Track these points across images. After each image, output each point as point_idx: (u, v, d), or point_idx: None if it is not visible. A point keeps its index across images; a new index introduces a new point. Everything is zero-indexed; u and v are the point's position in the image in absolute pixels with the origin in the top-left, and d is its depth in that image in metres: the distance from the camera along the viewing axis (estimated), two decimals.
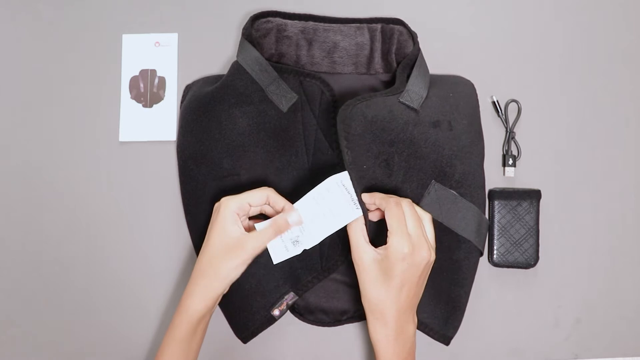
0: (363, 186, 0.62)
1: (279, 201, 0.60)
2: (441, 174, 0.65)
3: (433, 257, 0.58)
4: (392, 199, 0.58)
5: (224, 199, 0.59)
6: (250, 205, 0.60)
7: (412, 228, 0.57)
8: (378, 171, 0.63)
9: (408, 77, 0.68)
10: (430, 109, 0.66)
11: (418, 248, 0.56)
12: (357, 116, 0.63)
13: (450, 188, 0.64)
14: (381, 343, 0.58)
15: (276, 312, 0.65)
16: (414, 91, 0.66)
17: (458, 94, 0.69)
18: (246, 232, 0.59)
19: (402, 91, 0.65)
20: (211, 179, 0.67)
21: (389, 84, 0.71)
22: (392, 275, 0.56)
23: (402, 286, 0.57)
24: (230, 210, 0.58)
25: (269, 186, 0.64)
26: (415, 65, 0.68)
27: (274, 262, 0.61)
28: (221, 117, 0.67)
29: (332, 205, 0.60)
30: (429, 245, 0.58)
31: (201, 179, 0.67)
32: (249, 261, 0.59)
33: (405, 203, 0.58)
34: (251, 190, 0.60)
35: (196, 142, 0.68)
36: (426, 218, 0.60)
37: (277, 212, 0.61)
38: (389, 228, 0.57)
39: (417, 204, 0.63)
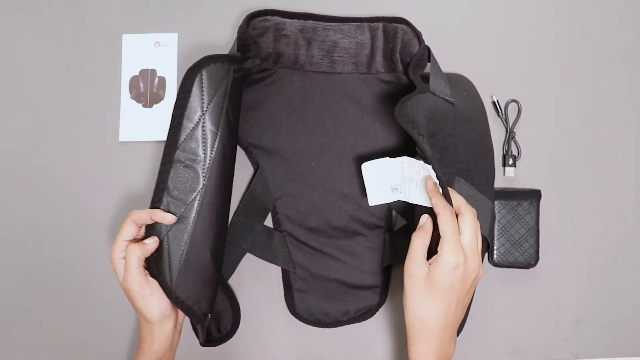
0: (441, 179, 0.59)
1: (143, 216, 0.57)
2: (465, 170, 0.62)
3: (481, 273, 0.56)
4: (449, 208, 0.55)
5: (109, 254, 0.58)
6: (127, 240, 0.57)
7: (468, 239, 0.54)
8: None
9: (422, 77, 0.66)
10: (461, 104, 0.65)
11: (471, 260, 0.53)
12: (415, 110, 0.59)
13: (472, 184, 0.63)
14: (419, 357, 0.55)
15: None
16: (439, 90, 0.64)
17: (468, 92, 0.68)
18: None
19: (428, 90, 0.63)
20: None
21: (391, 83, 0.71)
22: (442, 288, 0.53)
23: (450, 301, 0.54)
24: (114, 263, 0.58)
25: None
26: (431, 64, 0.67)
27: (370, 204, 0.60)
28: None
29: (420, 182, 0.59)
30: (480, 260, 0.55)
31: None
32: (140, 284, 0.56)
33: (471, 213, 0.55)
34: (119, 230, 0.58)
35: None
36: (480, 234, 0.56)
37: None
38: (441, 236, 0.53)
39: None
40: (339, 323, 0.68)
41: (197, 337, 0.65)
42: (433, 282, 0.53)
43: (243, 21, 0.67)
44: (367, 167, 0.61)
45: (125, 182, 0.72)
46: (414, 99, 0.60)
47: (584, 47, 0.74)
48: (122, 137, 0.73)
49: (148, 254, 0.57)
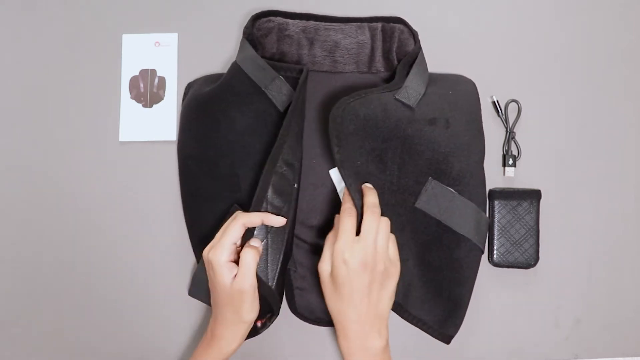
0: (359, 181, 0.62)
1: (255, 220, 0.58)
2: (437, 171, 0.65)
3: (380, 267, 0.57)
4: (348, 210, 0.59)
5: (209, 255, 0.57)
6: (235, 244, 0.58)
7: (363, 237, 0.57)
8: (372, 166, 0.63)
9: (408, 74, 0.68)
10: (427, 106, 0.66)
11: (360, 253, 0.56)
12: (349, 115, 0.62)
13: (447, 185, 0.65)
14: (345, 356, 0.59)
15: (259, 323, 0.65)
16: (412, 87, 0.66)
17: (457, 92, 0.69)
18: (235, 277, 0.57)
19: (400, 87, 0.66)
20: (210, 178, 0.67)
21: (390, 82, 0.71)
22: (338, 282, 0.56)
23: (351, 295, 0.56)
24: (223, 265, 0.56)
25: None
26: (415, 62, 0.68)
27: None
28: (219, 118, 0.67)
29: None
30: (377, 253, 0.57)
31: (201, 178, 0.67)
32: (254, 288, 0.57)
33: (370, 213, 0.58)
34: (226, 230, 0.58)
35: (195, 142, 0.68)
36: (392, 238, 0.59)
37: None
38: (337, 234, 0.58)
39: (415, 201, 0.64)
40: None
41: (256, 331, 0.65)
42: (333, 278, 0.57)
43: (248, 22, 0.68)
44: (334, 173, 0.68)
45: (125, 182, 0.72)
46: (360, 102, 0.63)
47: (584, 47, 0.74)
48: (122, 137, 0.73)
49: (259, 257, 0.58)
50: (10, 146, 0.73)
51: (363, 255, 0.56)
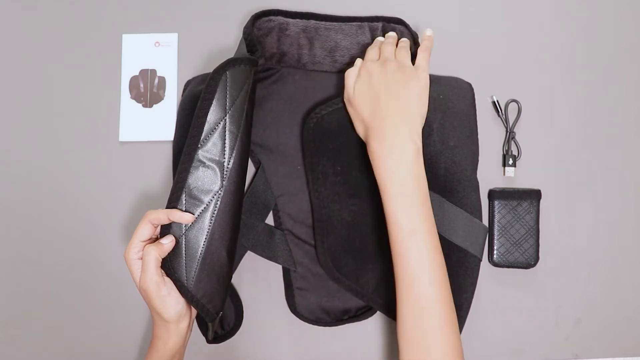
0: (350, 189, 0.65)
1: (161, 216, 0.57)
2: None
3: (394, 65, 0.61)
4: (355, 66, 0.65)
5: (124, 254, 0.57)
6: (143, 241, 0.57)
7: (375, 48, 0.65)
8: (357, 174, 0.65)
9: None
10: None
11: (368, 59, 0.64)
12: (320, 127, 0.65)
13: (434, 192, 0.65)
14: (375, 159, 0.59)
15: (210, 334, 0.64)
16: None
17: (449, 96, 0.68)
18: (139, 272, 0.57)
19: None
20: None
21: None
22: (371, 82, 0.61)
23: (379, 90, 0.60)
24: (132, 263, 0.57)
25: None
26: None
27: None
28: None
29: None
30: (386, 57, 0.63)
31: None
32: (158, 285, 0.56)
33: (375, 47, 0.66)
34: (135, 230, 0.57)
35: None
36: (404, 49, 0.65)
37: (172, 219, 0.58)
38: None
39: None
40: (340, 321, 0.68)
41: (205, 334, 0.65)
42: (364, 84, 0.62)
43: (248, 22, 0.68)
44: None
45: (125, 182, 0.72)
46: (335, 112, 0.66)
47: (584, 47, 0.74)
48: (122, 137, 0.73)
49: (165, 254, 0.57)
50: (11, 146, 0.73)
51: (378, 57, 0.64)
